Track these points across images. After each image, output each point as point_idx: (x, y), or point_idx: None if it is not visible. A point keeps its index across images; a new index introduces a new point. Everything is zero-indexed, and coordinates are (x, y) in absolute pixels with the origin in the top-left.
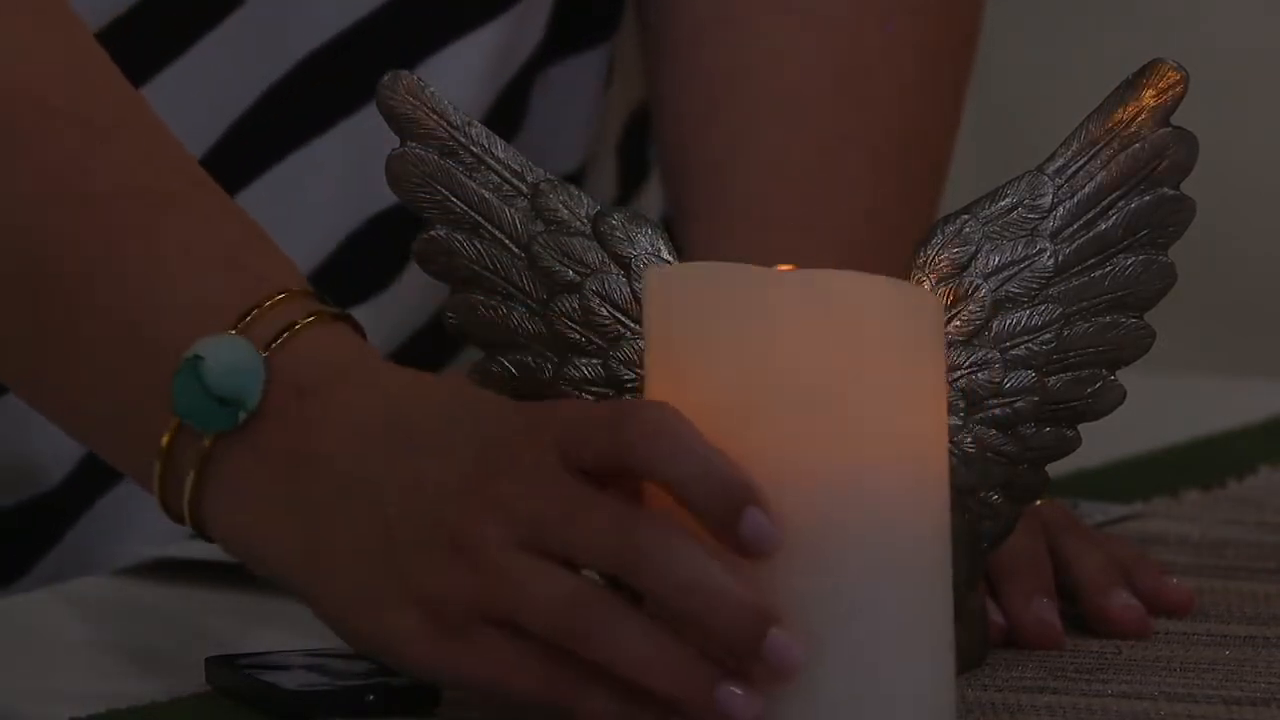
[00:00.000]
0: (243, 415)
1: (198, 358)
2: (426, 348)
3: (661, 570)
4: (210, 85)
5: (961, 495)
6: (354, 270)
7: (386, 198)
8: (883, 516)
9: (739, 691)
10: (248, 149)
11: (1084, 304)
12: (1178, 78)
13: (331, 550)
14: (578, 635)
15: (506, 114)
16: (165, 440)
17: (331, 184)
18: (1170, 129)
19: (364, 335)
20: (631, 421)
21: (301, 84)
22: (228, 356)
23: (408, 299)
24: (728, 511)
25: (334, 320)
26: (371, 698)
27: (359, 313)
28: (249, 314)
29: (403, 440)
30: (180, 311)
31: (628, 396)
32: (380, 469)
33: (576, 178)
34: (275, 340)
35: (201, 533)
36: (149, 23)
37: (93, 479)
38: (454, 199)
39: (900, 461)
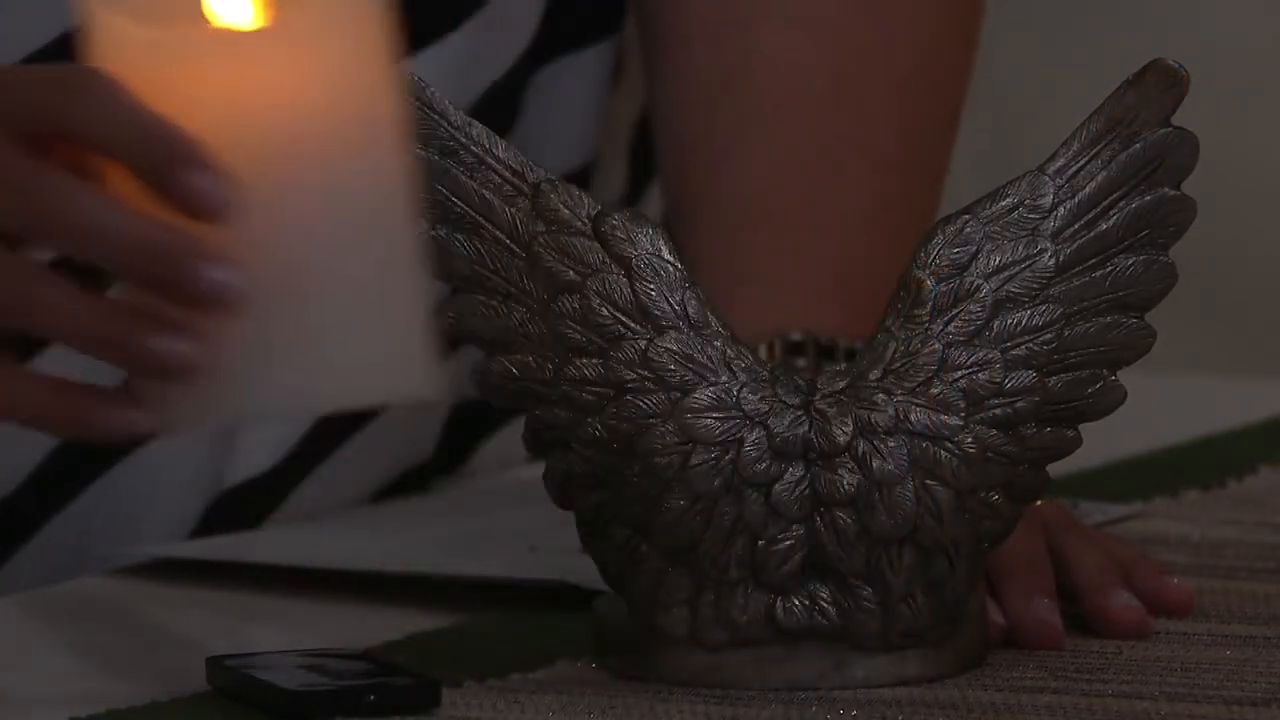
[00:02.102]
0: None
1: None
2: None
3: (66, 221)
4: None
5: (962, 495)
6: None
7: None
8: (327, 158)
9: (172, 336)
10: None
11: (1085, 304)
12: (1179, 77)
13: None
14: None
15: (490, 120)
16: None
17: None
18: (1171, 129)
19: None
20: (67, 84)
21: None
22: None
23: None
24: (166, 166)
25: None
26: (371, 698)
27: None
28: None
29: None
30: None
31: (627, 396)
32: None
33: (578, 176)
34: None
35: None
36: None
37: (55, 489)
38: (454, 199)
39: (341, 101)
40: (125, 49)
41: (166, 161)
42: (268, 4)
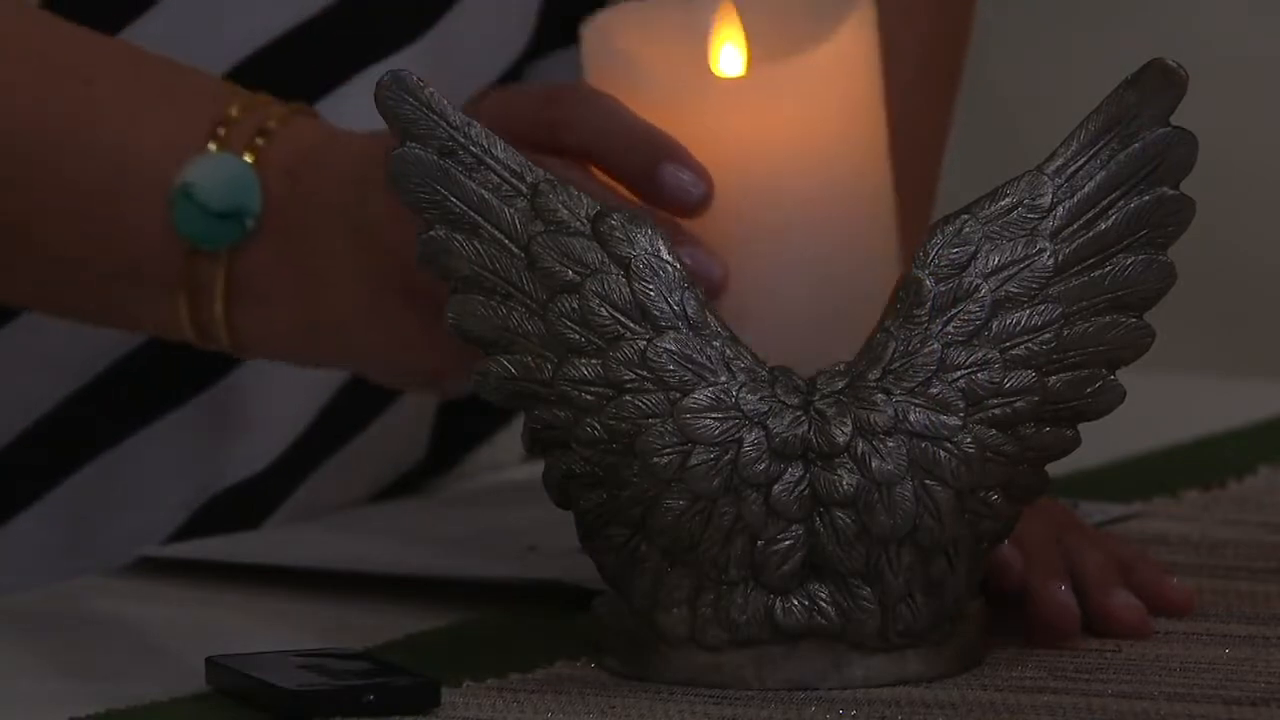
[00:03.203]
0: (250, 223)
1: (187, 184)
2: None
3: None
4: None
5: (961, 495)
6: None
7: None
8: (827, 176)
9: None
10: None
11: (1084, 304)
12: (1178, 77)
13: (351, 295)
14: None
15: None
16: (186, 279)
17: None
18: (1170, 129)
19: (318, 114)
20: (560, 99)
21: None
22: (217, 173)
23: None
24: (648, 163)
25: (294, 112)
26: (371, 698)
27: None
28: (218, 129)
29: (360, 180)
30: (153, 150)
31: (626, 396)
32: (380, 208)
33: None
34: (255, 142)
35: (241, 352)
36: None
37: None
38: (453, 199)
39: (829, 147)
40: (628, 90)
41: (652, 160)
42: (759, 56)
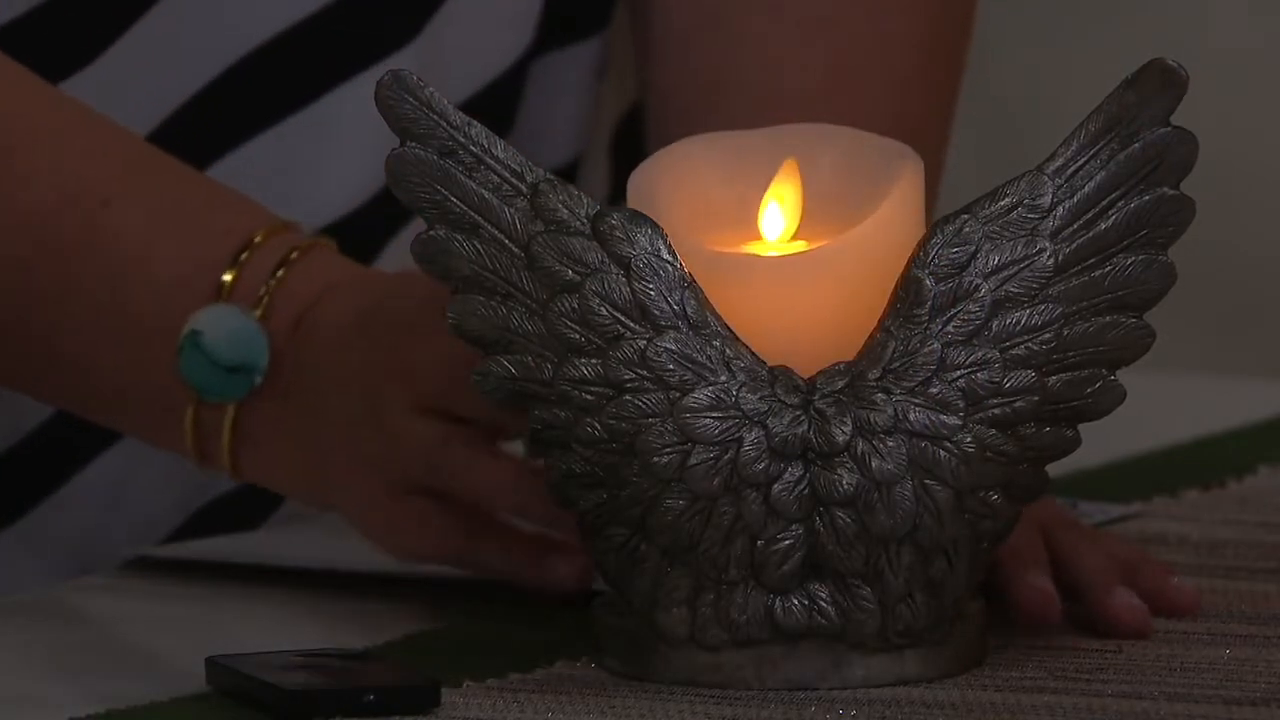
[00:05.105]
0: (258, 379)
1: (195, 333)
2: None
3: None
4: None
5: (961, 495)
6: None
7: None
8: None
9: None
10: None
11: (1084, 304)
12: (1178, 77)
13: (328, 455)
14: (445, 471)
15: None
16: (189, 417)
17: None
18: (1170, 129)
19: (335, 248)
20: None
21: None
22: (225, 325)
23: None
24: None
25: (305, 251)
26: (371, 698)
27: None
28: (229, 276)
29: (359, 333)
30: (163, 291)
31: (626, 396)
32: (356, 362)
33: (569, 171)
34: (263, 297)
35: (243, 479)
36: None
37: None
38: (453, 199)
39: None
40: (692, 261)
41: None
42: (805, 234)
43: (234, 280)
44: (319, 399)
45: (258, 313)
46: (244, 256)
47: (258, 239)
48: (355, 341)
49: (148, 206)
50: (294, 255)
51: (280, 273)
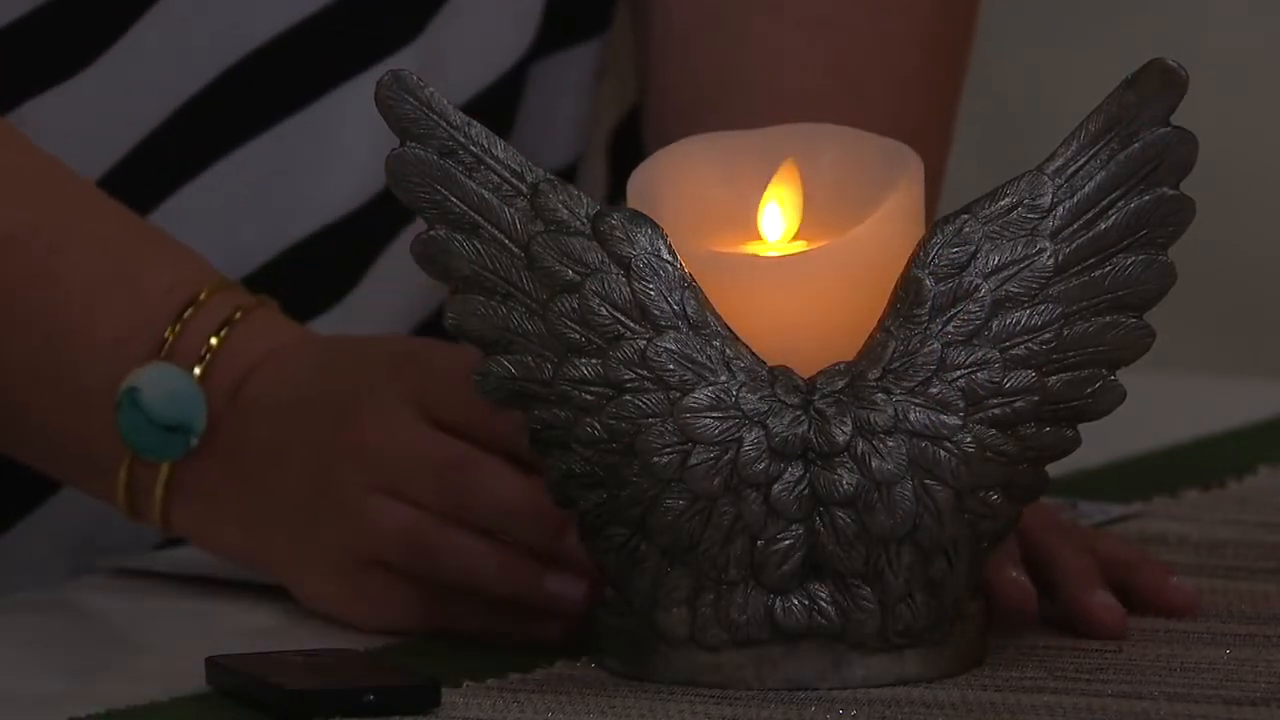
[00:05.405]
0: (194, 440)
1: (134, 390)
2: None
3: (483, 502)
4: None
5: (961, 495)
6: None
7: (307, 221)
8: None
9: (562, 577)
10: (162, 163)
11: (1084, 304)
12: (1178, 77)
13: (269, 526)
14: (422, 557)
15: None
16: (124, 473)
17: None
18: (1170, 129)
19: (279, 308)
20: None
21: (215, 100)
22: (164, 384)
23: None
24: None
25: (249, 312)
26: (371, 698)
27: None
28: (169, 334)
29: (300, 408)
30: (103, 348)
31: (626, 396)
32: (297, 440)
33: (569, 171)
34: (204, 356)
35: (174, 535)
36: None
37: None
38: (453, 199)
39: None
40: (691, 262)
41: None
42: (804, 234)
43: (175, 338)
44: (257, 472)
45: (198, 372)
46: (188, 314)
47: (202, 296)
48: (295, 417)
49: (94, 256)
50: (237, 316)
51: (223, 332)
